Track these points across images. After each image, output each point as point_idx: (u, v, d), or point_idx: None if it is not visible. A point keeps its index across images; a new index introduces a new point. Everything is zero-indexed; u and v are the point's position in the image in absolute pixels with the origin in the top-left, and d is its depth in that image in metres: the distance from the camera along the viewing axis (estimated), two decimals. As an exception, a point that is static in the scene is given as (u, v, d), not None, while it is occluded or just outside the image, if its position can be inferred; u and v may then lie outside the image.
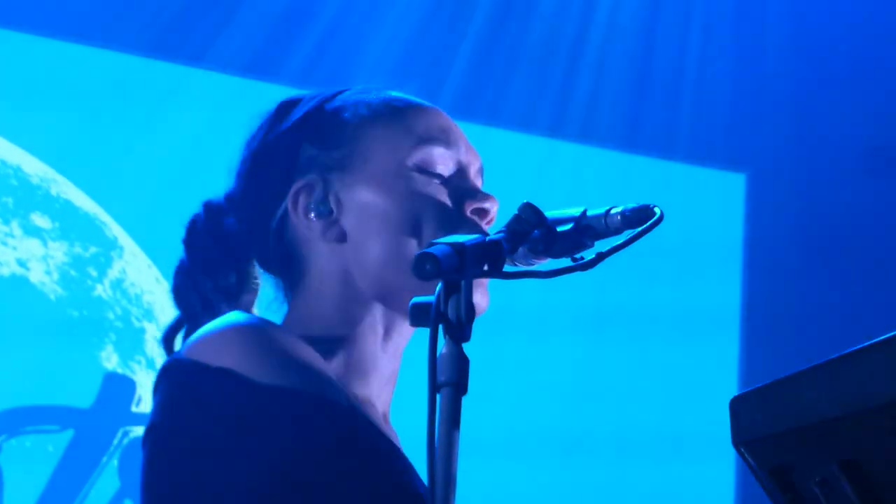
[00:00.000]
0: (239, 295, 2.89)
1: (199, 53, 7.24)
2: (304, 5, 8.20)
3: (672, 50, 9.18)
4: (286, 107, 2.86)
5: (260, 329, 2.63)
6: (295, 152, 2.83)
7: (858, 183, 9.19)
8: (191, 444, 2.46)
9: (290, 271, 2.82)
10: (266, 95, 2.98)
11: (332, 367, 2.65)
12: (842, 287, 8.24)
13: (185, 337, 2.73)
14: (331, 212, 2.72)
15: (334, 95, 2.88)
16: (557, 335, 7.93)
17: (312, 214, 2.71)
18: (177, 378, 2.50)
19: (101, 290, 6.46)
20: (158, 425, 2.43)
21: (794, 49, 9.21)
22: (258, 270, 2.83)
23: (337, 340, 2.75)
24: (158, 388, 2.45)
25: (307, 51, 7.78)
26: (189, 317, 2.79)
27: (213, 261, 2.84)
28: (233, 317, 2.59)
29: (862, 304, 8.15)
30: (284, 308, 2.81)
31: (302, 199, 2.72)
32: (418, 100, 2.90)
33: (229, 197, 2.82)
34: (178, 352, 2.55)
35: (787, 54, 9.18)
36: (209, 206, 2.81)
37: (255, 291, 2.87)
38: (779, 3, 9.26)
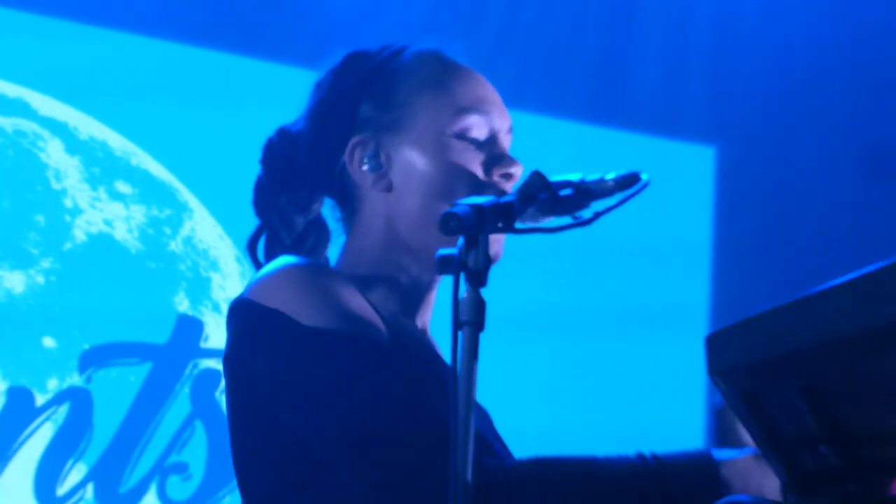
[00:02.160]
0: (309, 207, 3.23)
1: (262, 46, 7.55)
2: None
3: (643, 23, 9.03)
4: (352, 60, 3.17)
5: (306, 273, 2.94)
6: (354, 109, 3.09)
7: (826, 158, 9.09)
8: (253, 373, 2.86)
9: (346, 209, 3.12)
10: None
11: (374, 297, 2.97)
12: (810, 261, 7.94)
13: (266, 246, 3.19)
14: (380, 166, 3.00)
15: (393, 56, 3.16)
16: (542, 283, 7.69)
17: (366, 167, 3.00)
18: (240, 316, 2.84)
19: (174, 246, 6.78)
20: (230, 357, 2.85)
21: (767, 26, 9.11)
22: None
23: (382, 276, 3.06)
24: (229, 325, 2.84)
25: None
26: (268, 227, 3.15)
27: (286, 177, 3.17)
28: (285, 260, 2.92)
29: (829, 277, 8.10)
30: (342, 240, 3.18)
31: (357, 153, 3.00)
32: (463, 66, 3.20)
33: (298, 133, 3.16)
34: (243, 291, 2.91)
35: (760, 30, 9.08)
36: (283, 133, 3.16)
37: (319, 228, 3.24)
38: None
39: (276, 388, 2.86)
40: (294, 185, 3.21)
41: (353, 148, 3.01)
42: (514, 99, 7.90)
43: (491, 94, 3.15)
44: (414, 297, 3.11)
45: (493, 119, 3.06)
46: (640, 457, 2.70)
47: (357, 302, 2.95)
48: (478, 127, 3.02)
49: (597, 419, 6.84)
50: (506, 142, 3.12)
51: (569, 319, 6.38)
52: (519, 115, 7.66)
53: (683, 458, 2.71)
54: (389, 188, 3.03)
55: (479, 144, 3.00)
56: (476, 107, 3.05)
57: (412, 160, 3.03)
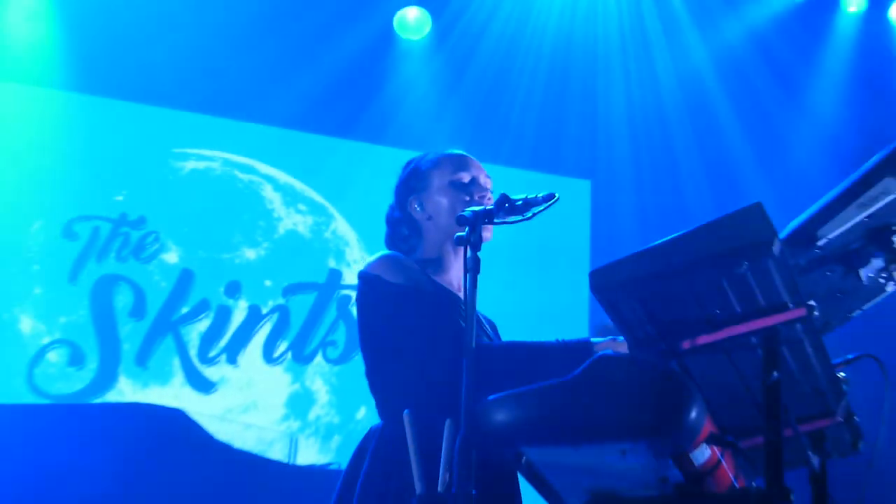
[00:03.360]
0: (409, 239, 4.24)
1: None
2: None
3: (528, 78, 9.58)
4: (408, 164, 4.33)
5: (393, 257, 4.05)
6: (410, 184, 4.22)
7: (681, 187, 9.66)
8: (366, 304, 4.01)
9: (412, 231, 4.20)
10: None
11: (428, 270, 4.06)
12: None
13: (386, 242, 4.31)
14: (424, 208, 4.15)
15: (421, 157, 4.29)
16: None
17: (417, 208, 4.16)
18: (361, 278, 4.00)
19: (328, 235, 9.12)
20: (357, 300, 4.06)
21: (632, 78, 9.74)
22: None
23: (431, 259, 4.14)
24: (358, 283, 4.03)
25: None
26: (391, 245, 4.26)
27: (393, 225, 4.28)
28: (383, 251, 4.12)
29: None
30: (414, 245, 4.23)
31: (413, 203, 4.16)
32: (457, 151, 4.28)
33: (393, 205, 4.28)
34: (365, 266, 4.03)
35: (627, 83, 9.73)
36: (392, 205, 4.31)
37: (415, 242, 4.23)
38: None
39: (376, 310, 3.99)
40: (398, 225, 4.26)
41: (412, 202, 4.20)
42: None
43: (469, 159, 4.24)
44: (446, 267, 4.17)
45: (472, 171, 4.18)
46: (557, 340, 3.85)
47: (416, 272, 4.00)
48: (465, 176, 4.15)
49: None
50: (483, 180, 4.18)
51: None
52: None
53: (574, 342, 3.82)
54: (430, 217, 4.15)
55: (466, 185, 4.13)
56: (461, 167, 4.17)
57: (436, 201, 4.16)
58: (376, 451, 3.74)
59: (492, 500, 3.39)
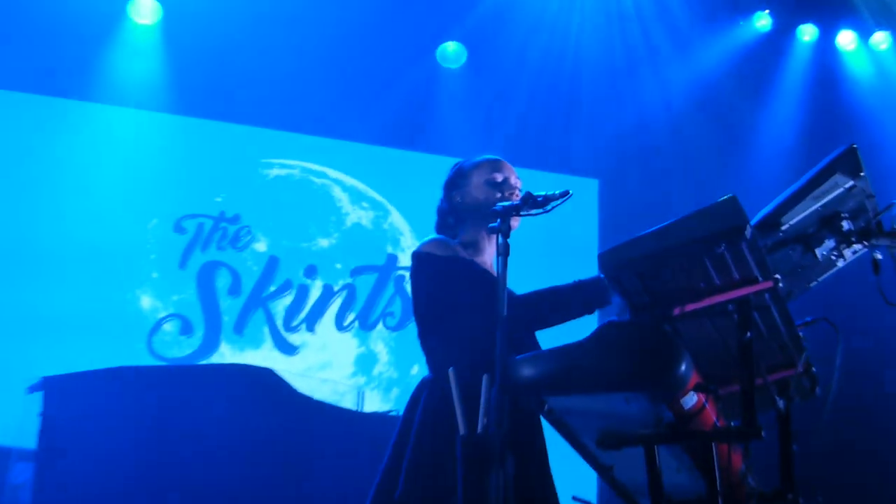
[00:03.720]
0: (453, 227, 4.17)
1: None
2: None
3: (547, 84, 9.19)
4: (454, 165, 4.25)
5: (440, 240, 4.04)
6: (454, 181, 4.19)
7: (686, 187, 9.18)
8: (422, 282, 3.97)
9: (456, 219, 4.15)
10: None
11: (468, 252, 4.03)
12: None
13: (436, 228, 4.23)
14: (464, 200, 4.11)
15: (465, 160, 4.24)
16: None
17: (459, 201, 4.12)
18: (414, 257, 3.97)
19: (386, 226, 9.02)
20: (411, 275, 4.04)
21: (638, 83, 9.30)
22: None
23: (472, 243, 4.08)
24: (412, 261, 3.99)
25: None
26: (439, 231, 4.20)
27: (441, 215, 4.21)
28: (433, 235, 4.11)
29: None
30: (457, 232, 4.15)
31: (456, 197, 4.12)
32: (493, 156, 4.21)
33: (442, 198, 4.22)
34: (417, 246, 4.01)
35: (633, 86, 9.31)
36: (441, 198, 4.23)
37: (457, 229, 4.14)
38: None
39: (427, 282, 3.97)
40: (446, 214, 4.23)
41: (455, 195, 4.17)
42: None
43: (503, 163, 4.18)
44: (481, 250, 4.11)
45: (504, 172, 4.12)
46: (575, 280, 3.81)
47: (458, 252, 4.01)
48: (498, 176, 4.11)
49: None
50: (513, 180, 4.11)
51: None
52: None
53: (588, 279, 3.81)
54: (469, 208, 4.11)
55: (499, 183, 4.09)
56: (495, 168, 4.14)
57: (474, 194, 4.11)
58: (427, 400, 3.75)
59: (520, 439, 3.40)
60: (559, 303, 3.83)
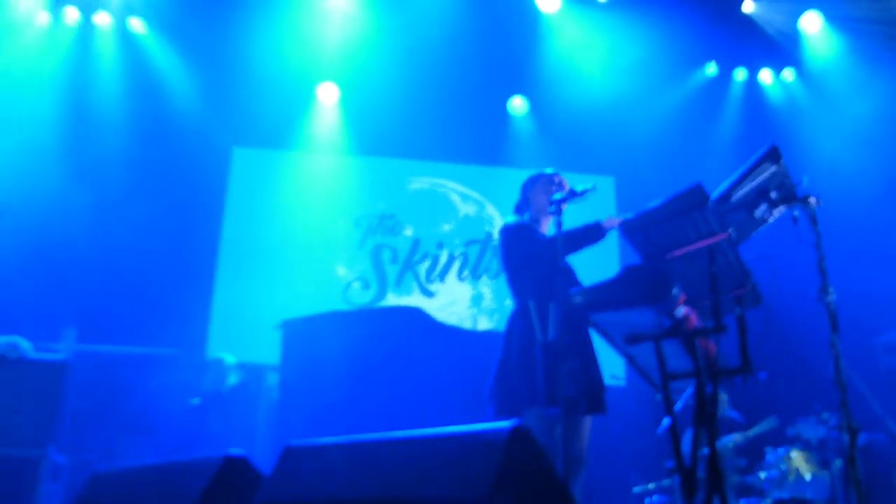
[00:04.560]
0: (526, 210, 3.98)
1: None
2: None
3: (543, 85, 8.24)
4: (530, 176, 4.02)
5: (518, 219, 3.96)
6: (531, 181, 4.02)
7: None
8: (508, 244, 3.87)
9: (528, 206, 3.98)
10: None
11: (535, 225, 3.93)
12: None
13: (514, 212, 4.04)
14: (535, 193, 3.97)
15: (538, 172, 4.05)
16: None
17: (531, 193, 3.96)
18: (502, 229, 3.93)
19: (484, 214, 8.52)
20: (500, 241, 3.93)
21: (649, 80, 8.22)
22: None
23: (538, 221, 3.96)
24: (500, 232, 3.96)
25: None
26: (517, 212, 4.02)
27: (519, 203, 4.03)
28: (513, 216, 4.01)
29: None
30: (527, 213, 4.00)
31: (529, 191, 3.98)
32: (550, 170, 4.05)
33: (522, 192, 4.05)
34: (503, 224, 3.94)
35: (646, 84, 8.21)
36: (521, 194, 4.04)
37: (528, 212, 3.98)
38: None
39: (512, 243, 3.82)
40: (523, 200, 4.07)
41: (529, 191, 4.02)
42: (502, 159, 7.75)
43: (557, 174, 4.00)
44: (544, 226, 3.96)
45: (557, 178, 3.96)
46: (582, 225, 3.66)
47: (531, 225, 3.92)
48: (554, 178, 3.97)
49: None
50: (563, 183, 3.94)
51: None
52: (498, 170, 7.83)
53: (591, 224, 3.66)
54: (537, 198, 3.96)
55: (554, 183, 3.95)
56: (552, 176, 3.99)
57: (540, 190, 3.97)
58: (514, 320, 3.68)
59: (577, 340, 3.42)
60: (574, 239, 3.63)
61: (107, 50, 7.70)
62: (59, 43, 7.57)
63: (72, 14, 7.60)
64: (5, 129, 7.10)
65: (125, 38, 7.79)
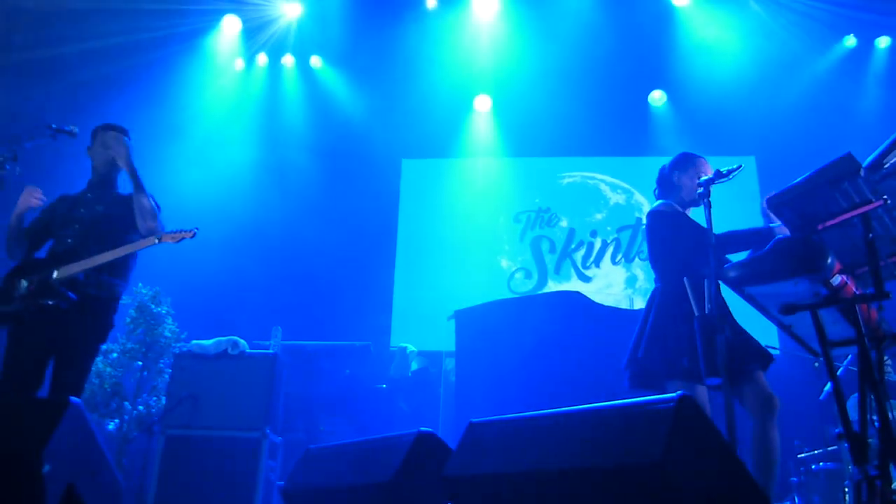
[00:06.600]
0: (673, 195, 3.72)
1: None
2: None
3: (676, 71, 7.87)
4: (678, 155, 3.79)
5: (665, 203, 3.71)
6: (677, 164, 3.72)
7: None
8: (656, 227, 3.64)
9: (674, 190, 3.70)
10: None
11: (681, 209, 3.67)
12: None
13: (658, 195, 3.74)
14: (681, 177, 3.70)
15: (685, 153, 3.76)
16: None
17: (678, 177, 3.69)
18: (649, 214, 3.68)
19: (633, 202, 8.18)
20: (647, 224, 3.64)
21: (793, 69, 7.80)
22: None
23: (684, 203, 3.68)
24: (648, 217, 3.68)
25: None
26: (662, 196, 3.72)
27: (666, 187, 3.73)
28: (660, 201, 3.74)
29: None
30: (674, 196, 3.70)
31: (675, 174, 3.68)
32: (695, 153, 3.76)
33: (667, 176, 3.74)
34: (651, 208, 3.69)
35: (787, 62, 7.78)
36: (666, 179, 3.73)
37: (674, 195, 3.67)
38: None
39: (660, 226, 3.62)
40: (671, 184, 3.77)
41: (676, 174, 3.74)
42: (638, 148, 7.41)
43: (703, 158, 3.74)
44: (687, 207, 3.73)
45: (703, 160, 3.74)
46: (749, 229, 3.44)
47: (675, 208, 3.67)
48: (699, 163, 3.72)
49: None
50: (708, 167, 3.71)
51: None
52: (637, 159, 7.46)
53: (763, 228, 3.41)
54: (683, 182, 3.71)
55: (701, 167, 3.71)
56: (699, 159, 3.74)
57: (686, 173, 3.71)
58: (660, 298, 3.52)
59: (726, 312, 3.22)
60: (738, 241, 3.44)
61: (291, 85, 8.22)
62: (252, 82, 8.20)
63: (262, 59, 8.28)
64: (216, 154, 7.68)
65: (306, 73, 8.23)
